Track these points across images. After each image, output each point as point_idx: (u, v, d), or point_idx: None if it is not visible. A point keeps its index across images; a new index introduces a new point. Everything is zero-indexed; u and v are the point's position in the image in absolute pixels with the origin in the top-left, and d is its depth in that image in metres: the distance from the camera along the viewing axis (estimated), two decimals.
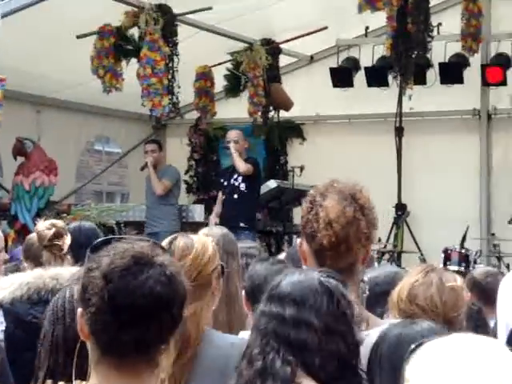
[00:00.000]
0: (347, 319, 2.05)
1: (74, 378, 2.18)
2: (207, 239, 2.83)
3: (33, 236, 4.03)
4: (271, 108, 10.74)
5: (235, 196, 9.02)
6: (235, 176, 9.07)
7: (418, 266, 2.80)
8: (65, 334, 2.50)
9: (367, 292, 2.50)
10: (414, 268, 2.84)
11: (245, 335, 3.22)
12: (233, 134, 9.28)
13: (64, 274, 3.70)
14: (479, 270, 5.03)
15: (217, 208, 9.27)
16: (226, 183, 9.16)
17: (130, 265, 1.86)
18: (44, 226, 3.96)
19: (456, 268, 8.17)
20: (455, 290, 2.67)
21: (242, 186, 9.03)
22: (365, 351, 2.13)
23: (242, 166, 8.97)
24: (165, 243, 2.72)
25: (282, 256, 4.29)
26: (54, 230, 3.92)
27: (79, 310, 1.92)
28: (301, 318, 2.01)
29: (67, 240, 3.92)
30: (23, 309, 3.55)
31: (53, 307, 2.59)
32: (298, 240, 2.56)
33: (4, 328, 3.51)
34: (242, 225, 8.80)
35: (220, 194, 9.32)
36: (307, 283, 2.05)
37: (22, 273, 3.84)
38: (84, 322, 1.89)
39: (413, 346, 1.27)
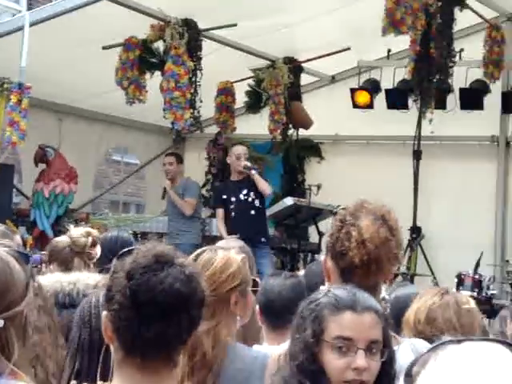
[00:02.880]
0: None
1: (98, 378, 2.24)
2: (234, 257, 2.84)
3: (61, 240, 4.07)
4: (291, 126, 10.81)
5: (252, 212, 8.91)
6: (244, 191, 8.92)
7: (431, 288, 2.84)
8: (90, 338, 2.57)
9: (388, 310, 2.55)
10: (427, 290, 2.87)
11: (259, 348, 3.27)
12: (245, 150, 9.11)
13: (82, 280, 3.76)
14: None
15: (222, 228, 8.88)
16: (233, 199, 8.95)
17: (151, 263, 1.96)
18: (79, 234, 4.01)
19: (469, 293, 8.17)
20: (471, 312, 2.71)
21: (257, 202, 8.97)
22: (399, 366, 2.16)
23: (267, 187, 8.88)
24: (192, 256, 2.78)
25: (300, 273, 4.31)
26: (90, 238, 3.98)
27: (104, 312, 2.00)
28: None
29: (98, 250, 3.98)
30: None
31: (80, 312, 2.66)
32: (322, 257, 2.60)
33: None
34: (263, 240, 8.78)
35: (220, 211, 8.99)
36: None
37: (42, 276, 3.90)
38: (108, 323, 1.98)
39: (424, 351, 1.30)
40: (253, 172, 8.90)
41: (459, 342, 1.25)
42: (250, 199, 8.96)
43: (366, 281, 2.43)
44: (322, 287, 2.51)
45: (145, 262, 1.96)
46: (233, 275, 2.79)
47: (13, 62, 7.78)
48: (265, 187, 8.88)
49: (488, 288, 8.71)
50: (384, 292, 2.71)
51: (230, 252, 2.87)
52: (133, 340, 1.94)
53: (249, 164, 9.00)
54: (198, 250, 2.84)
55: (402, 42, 9.20)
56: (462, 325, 2.62)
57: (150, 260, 1.96)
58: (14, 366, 2.25)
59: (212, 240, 8.78)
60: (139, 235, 8.76)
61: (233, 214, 8.92)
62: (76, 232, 4.06)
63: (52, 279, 3.76)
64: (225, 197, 8.97)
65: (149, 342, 1.93)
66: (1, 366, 2.23)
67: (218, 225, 9.12)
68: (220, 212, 9.02)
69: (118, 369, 1.99)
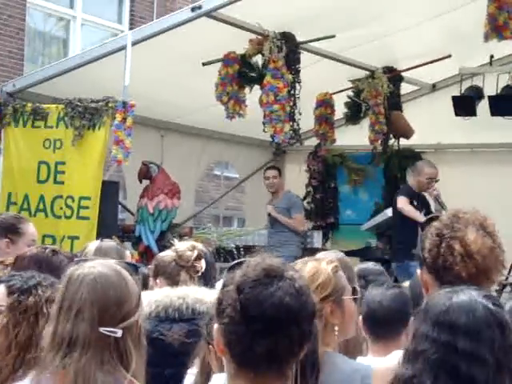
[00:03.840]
0: None
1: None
2: (324, 267, 2.83)
3: (167, 255, 4.12)
4: (391, 136, 10.70)
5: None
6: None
7: None
8: None
9: None
10: None
11: (361, 360, 3.23)
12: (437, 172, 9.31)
13: (192, 295, 3.80)
14: None
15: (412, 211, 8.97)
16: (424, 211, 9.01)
17: (260, 276, 1.96)
18: (185, 247, 4.06)
19: None
20: None
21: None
22: None
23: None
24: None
25: (405, 284, 4.26)
26: (196, 252, 4.02)
27: (215, 325, 2.00)
28: (475, 352, 1.93)
29: (203, 263, 4.02)
30: (151, 325, 3.67)
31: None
32: (418, 271, 2.55)
33: None
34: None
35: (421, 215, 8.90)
36: (479, 313, 1.97)
37: (151, 291, 3.96)
38: (220, 336, 1.99)
39: None
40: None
41: None
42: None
43: None
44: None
45: (254, 276, 1.97)
46: (322, 285, 2.78)
47: (116, 81, 7.96)
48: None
49: None
50: None
51: (320, 263, 2.86)
52: (244, 353, 1.95)
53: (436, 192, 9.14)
54: (299, 261, 2.84)
55: (504, 48, 9.00)
56: None
57: (260, 273, 1.97)
58: (132, 376, 2.30)
59: (313, 252, 8.77)
60: (241, 249, 8.81)
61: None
62: (181, 246, 4.10)
63: (161, 293, 3.82)
64: (416, 204, 9.08)
65: (260, 357, 1.93)
66: (119, 377, 2.29)
67: (407, 210, 9.07)
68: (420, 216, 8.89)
69: (231, 381, 2.00)
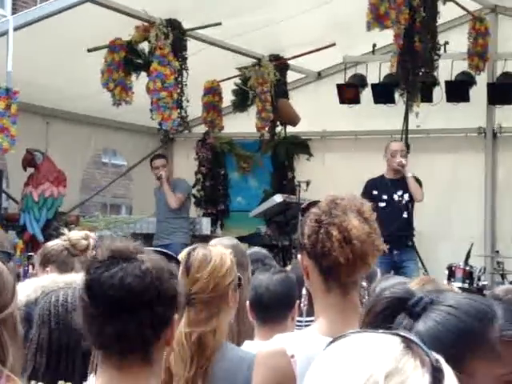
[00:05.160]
0: None
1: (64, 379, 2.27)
2: (225, 251, 2.89)
3: (56, 243, 4.09)
4: (278, 123, 10.82)
5: (405, 215, 8.75)
6: (400, 192, 8.77)
7: (417, 278, 2.84)
8: (49, 337, 2.59)
9: (366, 297, 2.56)
10: (412, 280, 2.88)
11: (248, 344, 3.29)
12: (402, 146, 9.04)
13: (78, 280, 3.78)
14: (502, 287, 5.08)
15: None
16: (385, 197, 8.72)
17: (105, 258, 1.97)
18: (79, 236, 4.03)
19: (460, 285, 8.22)
20: None
21: (410, 205, 8.83)
22: None
23: (421, 194, 8.74)
24: (183, 254, 2.79)
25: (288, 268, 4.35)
26: (91, 241, 4.00)
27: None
28: None
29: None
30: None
31: (39, 310, 2.67)
32: (299, 256, 2.58)
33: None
34: (409, 244, 8.75)
35: None
36: None
37: (37, 277, 3.91)
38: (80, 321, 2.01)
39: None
40: (409, 175, 8.75)
41: (356, 333, 1.17)
42: (404, 201, 8.79)
43: (352, 276, 2.45)
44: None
45: (101, 257, 1.98)
46: (230, 270, 2.83)
47: None
48: (417, 192, 8.72)
49: (479, 279, 8.75)
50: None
51: (218, 248, 2.90)
52: (97, 336, 1.96)
53: (404, 161, 8.81)
54: (189, 248, 2.86)
55: (387, 37, 9.21)
56: None
57: (106, 255, 1.97)
58: (10, 370, 2.25)
59: (202, 239, 8.82)
60: (129, 237, 8.75)
61: (381, 212, 8.79)
62: (74, 235, 4.07)
63: (48, 279, 3.78)
64: (375, 193, 8.70)
65: (110, 339, 1.93)
66: None
67: None
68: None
69: (99, 369, 2.01)
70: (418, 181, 8.99)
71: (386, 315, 1.52)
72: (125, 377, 1.95)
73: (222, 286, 2.77)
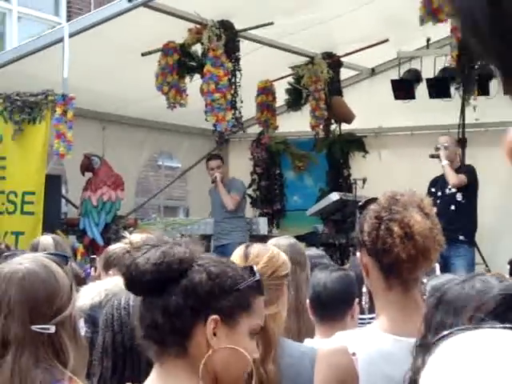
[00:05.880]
0: None
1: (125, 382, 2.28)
2: (279, 251, 2.92)
3: (117, 247, 4.13)
4: (333, 121, 10.78)
5: (452, 207, 8.76)
6: (450, 185, 8.83)
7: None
8: (113, 341, 2.60)
9: (427, 294, 2.54)
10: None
11: (309, 342, 3.28)
12: (443, 139, 8.99)
13: None
14: None
15: None
16: (439, 193, 8.78)
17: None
18: (140, 239, 4.06)
19: None
20: None
21: (459, 197, 8.83)
22: None
23: (452, 178, 8.70)
24: (240, 248, 2.82)
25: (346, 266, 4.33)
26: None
27: None
28: None
29: None
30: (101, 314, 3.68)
31: (104, 315, 2.69)
32: (358, 254, 2.57)
33: (84, 333, 3.64)
34: (461, 238, 8.65)
35: None
36: None
37: (100, 281, 3.96)
38: None
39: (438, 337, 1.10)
40: (443, 163, 8.76)
41: (465, 330, 1.08)
42: (452, 193, 8.83)
43: (414, 273, 2.43)
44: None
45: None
46: (285, 263, 2.85)
47: (54, 74, 7.89)
48: (450, 178, 8.71)
49: None
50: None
51: (273, 247, 2.97)
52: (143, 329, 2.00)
53: (439, 152, 8.83)
54: (246, 243, 2.90)
55: (441, 31, 9.11)
56: None
57: None
58: (72, 371, 2.27)
59: (260, 239, 8.81)
60: (195, 238, 8.78)
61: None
62: (135, 238, 4.10)
63: (111, 283, 3.83)
64: (433, 190, 8.80)
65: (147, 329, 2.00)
66: (57, 373, 2.26)
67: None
68: None
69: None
70: (468, 171, 8.92)
71: (499, 312, 1.51)
72: (165, 372, 1.93)
73: (278, 274, 2.78)
